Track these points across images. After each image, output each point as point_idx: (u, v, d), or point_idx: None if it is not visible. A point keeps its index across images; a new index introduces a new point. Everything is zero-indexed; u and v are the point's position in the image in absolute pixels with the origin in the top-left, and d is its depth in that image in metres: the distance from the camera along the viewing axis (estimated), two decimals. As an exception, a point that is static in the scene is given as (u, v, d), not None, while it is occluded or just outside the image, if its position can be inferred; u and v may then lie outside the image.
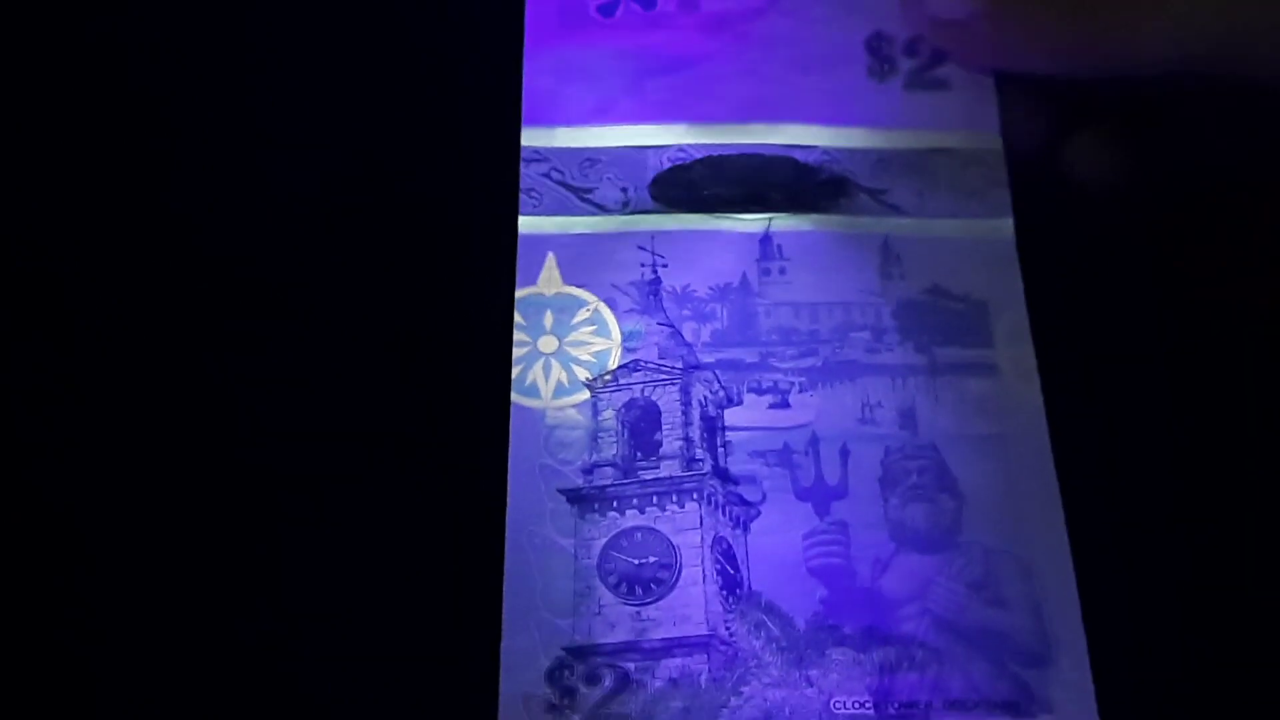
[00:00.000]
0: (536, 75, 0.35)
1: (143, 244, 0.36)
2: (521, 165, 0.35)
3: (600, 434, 0.32)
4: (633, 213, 0.34)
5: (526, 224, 0.34)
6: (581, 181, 0.34)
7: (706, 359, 0.33)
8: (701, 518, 0.31)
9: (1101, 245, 0.35)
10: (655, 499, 0.31)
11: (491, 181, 0.34)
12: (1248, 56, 0.31)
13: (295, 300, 0.35)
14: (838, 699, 0.29)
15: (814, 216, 0.34)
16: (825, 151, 0.35)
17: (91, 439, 0.34)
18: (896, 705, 0.29)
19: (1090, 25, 0.32)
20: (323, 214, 0.36)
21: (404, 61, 0.38)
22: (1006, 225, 0.34)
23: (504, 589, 0.30)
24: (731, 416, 0.32)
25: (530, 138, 0.35)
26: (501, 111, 0.35)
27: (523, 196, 0.34)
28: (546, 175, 0.34)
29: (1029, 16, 0.33)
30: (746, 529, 0.31)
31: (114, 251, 0.36)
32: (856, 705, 0.29)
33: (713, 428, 0.32)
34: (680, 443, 0.32)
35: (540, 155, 0.35)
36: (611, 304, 0.33)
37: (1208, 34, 0.31)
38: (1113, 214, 0.35)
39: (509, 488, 0.31)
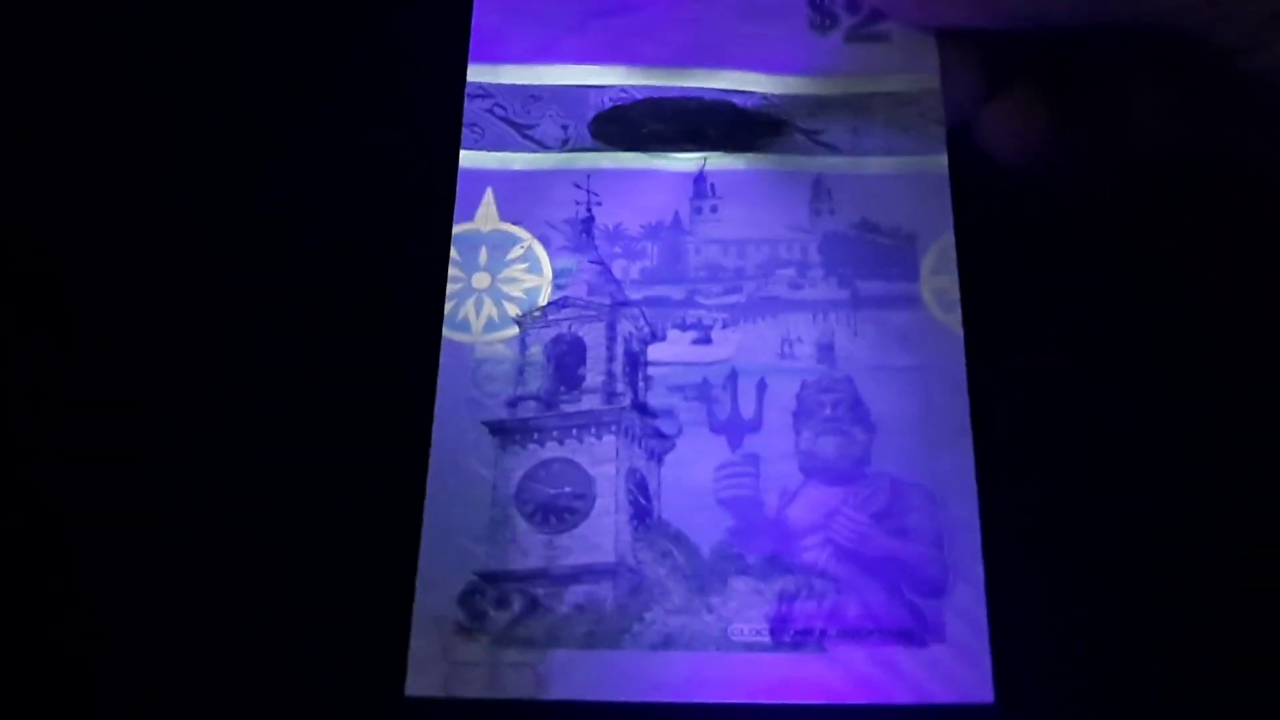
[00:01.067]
0: (484, 13, 0.36)
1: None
2: (465, 100, 0.36)
3: (526, 368, 0.33)
4: (571, 150, 0.35)
5: (467, 158, 0.35)
6: (523, 118, 0.35)
7: (634, 296, 0.34)
8: (618, 450, 0.32)
9: (1031, 187, 0.35)
10: (575, 431, 0.33)
11: (436, 115, 0.35)
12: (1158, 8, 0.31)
13: (238, 225, 0.36)
14: (735, 625, 0.31)
15: (748, 155, 0.35)
16: (764, 97, 0.36)
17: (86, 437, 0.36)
18: (792, 633, 0.30)
19: None
20: (264, 140, 0.37)
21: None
22: (940, 161, 0.35)
23: (423, 516, 0.31)
24: (654, 352, 0.34)
25: (475, 73, 0.36)
26: (449, 47, 0.36)
27: (465, 130, 0.35)
28: (490, 111, 0.36)
29: None
30: (661, 461, 0.32)
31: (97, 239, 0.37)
32: (753, 632, 0.31)
33: (635, 363, 0.33)
34: (603, 377, 0.33)
35: (484, 91, 0.36)
36: (545, 241, 0.34)
37: None
38: (1043, 160, 0.35)
39: (435, 418, 0.32)
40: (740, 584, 0.31)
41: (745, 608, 0.31)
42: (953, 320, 0.33)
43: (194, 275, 0.37)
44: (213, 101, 0.39)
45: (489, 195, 0.35)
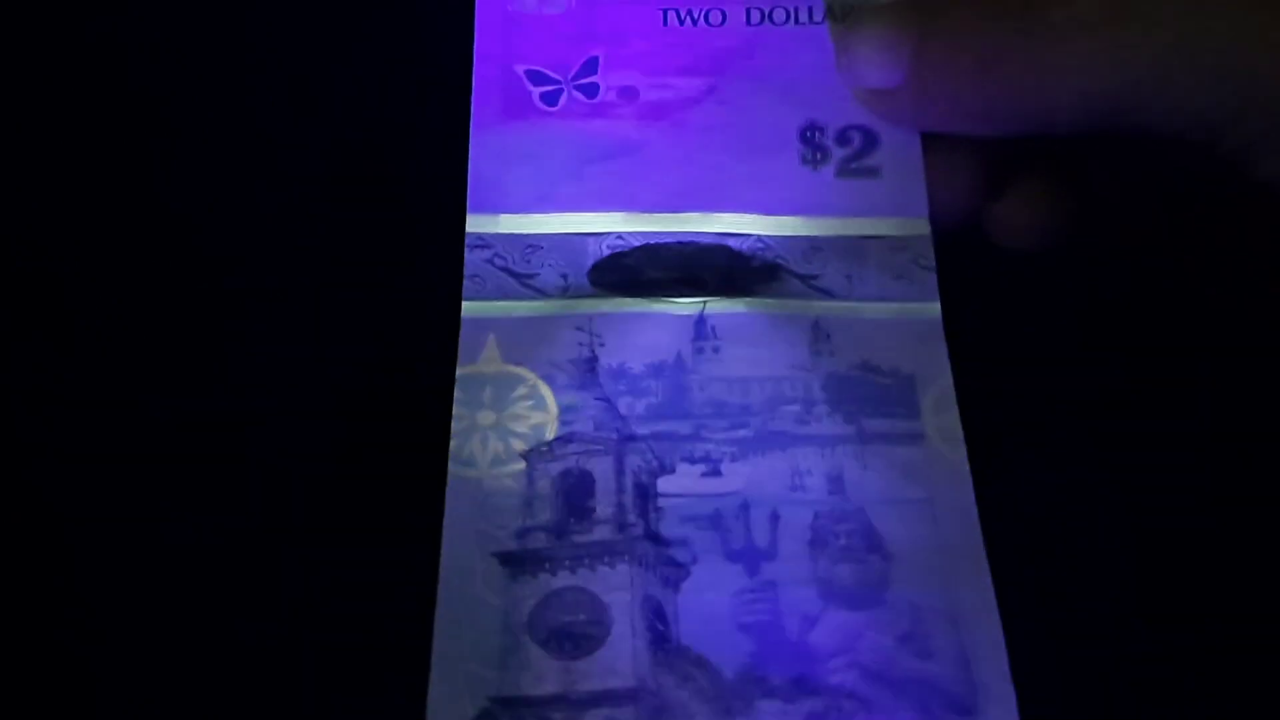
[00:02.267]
0: (481, 162, 0.37)
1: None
2: (466, 252, 0.36)
3: (535, 500, 0.33)
4: (572, 297, 0.35)
5: (469, 308, 0.35)
6: (523, 268, 0.36)
7: (641, 431, 0.34)
8: (632, 578, 0.32)
9: (1024, 317, 0.36)
10: (587, 560, 0.32)
11: (437, 268, 0.35)
12: (1150, 108, 0.32)
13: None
14: (765, 748, 0.29)
15: (747, 300, 0.36)
16: (759, 239, 0.36)
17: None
18: (824, 753, 0.29)
19: (1003, 89, 0.34)
20: (278, 289, 0.37)
21: (359, 150, 0.40)
22: (933, 308, 0.35)
23: (434, 641, 0.30)
24: (664, 484, 0.33)
25: (475, 224, 0.36)
26: (448, 200, 0.36)
27: (466, 282, 0.35)
28: (489, 261, 0.36)
29: (950, 84, 0.35)
30: (677, 588, 0.32)
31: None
32: (784, 754, 0.29)
33: (645, 495, 0.33)
34: (613, 509, 0.33)
35: (484, 242, 0.36)
36: (549, 380, 0.34)
37: (1108, 88, 0.32)
38: (1035, 286, 0.36)
39: (443, 551, 0.31)
40: (767, 706, 0.30)
41: (774, 730, 0.30)
42: (958, 456, 0.33)
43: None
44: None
45: (491, 340, 0.35)
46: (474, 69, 0.38)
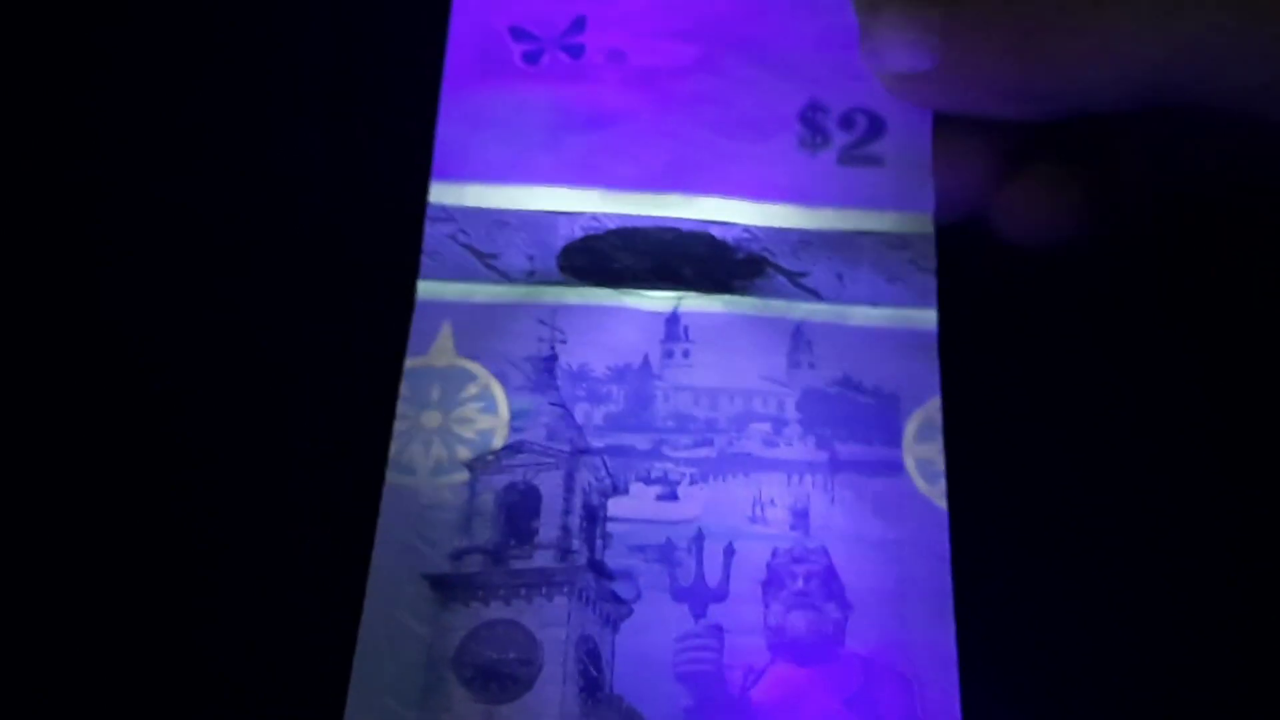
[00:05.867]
0: (451, 124, 0.34)
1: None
2: (426, 224, 0.33)
3: (475, 518, 0.31)
4: (537, 283, 0.33)
5: (425, 289, 0.33)
6: (487, 246, 0.33)
7: (596, 443, 0.32)
8: (569, 613, 0.30)
9: (1030, 333, 0.33)
10: (524, 591, 0.30)
11: (392, 242, 0.33)
12: (1199, 81, 0.29)
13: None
14: (689, 816, 0.28)
15: (725, 298, 0.33)
16: (745, 229, 0.33)
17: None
18: (752, 827, 0.28)
19: (1041, 67, 0.31)
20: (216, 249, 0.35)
21: (317, 96, 0.37)
22: (929, 316, 0.33)
23: (351, 673, 0.28)
24: (615, 506, 0.31)
25: (439, 193, 0.33)
26: (410, 167, 0.33)
27: (424, 259, 0.33)
28: (452, 237, 0.33)
29: (983, 64, 0.32)
30: (616, 628, 0.30)
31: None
32: (708, 824, 0.28)
33: (594, 517, 0.31)
34: (557, 532, 0.31)
35: (447, 214, 0.33)
36: (503, 379, 0.32)
37: (1154, 61, 0.30)
38: (1045, 296, 0.33)
39: (372, 566, 0.30)
40: (697, 769, 0.28)
41: (701, 797, 0.28)
42: (936, 493, 0.31)
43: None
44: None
45: (446, 328, 0.32)
46: (451, 20, 0.34)
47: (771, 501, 0.31)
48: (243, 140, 0.37)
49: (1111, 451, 0.34)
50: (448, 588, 0.30)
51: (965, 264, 0.33)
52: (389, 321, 0.32)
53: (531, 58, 0.35)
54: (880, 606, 0.30)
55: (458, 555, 0.30)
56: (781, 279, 0.33)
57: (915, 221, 0.33)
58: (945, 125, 0.34)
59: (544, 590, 0.30)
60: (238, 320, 0.35)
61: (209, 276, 0.36)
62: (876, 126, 0.34)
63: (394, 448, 0.31)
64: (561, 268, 0.33)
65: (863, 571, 0.30)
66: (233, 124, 0.38)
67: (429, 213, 0.33)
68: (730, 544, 0.30)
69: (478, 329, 0.32)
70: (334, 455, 0.33)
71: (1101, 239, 0.34)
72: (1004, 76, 0.32)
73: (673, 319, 0.33)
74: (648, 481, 0.31)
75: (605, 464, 0.31)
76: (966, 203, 0.34)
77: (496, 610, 0.30)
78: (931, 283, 0.33)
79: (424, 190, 0.33)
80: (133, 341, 0.35)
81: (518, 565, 0.30)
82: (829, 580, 0.30)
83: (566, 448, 0.31)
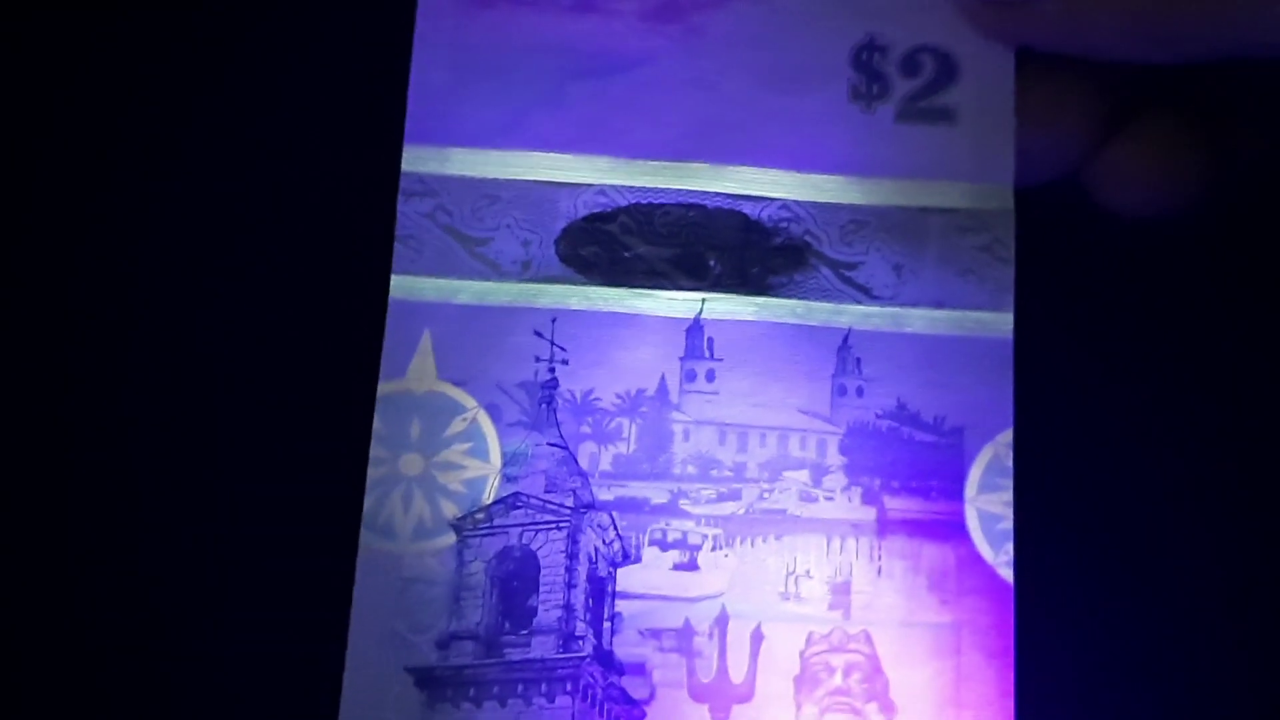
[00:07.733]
0: (429, 71, 0.27)
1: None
2: (399, 200, 0.27)
3: (464, 594, 0.27)
4: (533, 279, 0.27)
5: (400, 286, 0.27)
6: (474, 228, 0.27)
7: (604, 495, 0.27)
8: (573, 716, 0.26)
9: (1119, 352, 0.28)
10: (521, 688, 0.26)
11: (359, 229, 0.27)
12: None
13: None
14: None
15: (759, 300, 0.27)
16: (785, 205, 0.27)
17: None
18: None
19: None
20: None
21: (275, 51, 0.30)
22: (1005, 322, 0.27)
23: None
24: (625, 578, 0.27)
25: (414, 160, 0.27)
26: (379, 130, 0.27)
27: (397, 246, 0.27)
28: (430, 216, 0.27)
29: None
30: (625, 737, 0.26)
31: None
32: None
33: (601, 592, 0.27)
34: (559, 611, 0.27)
35: (425, 186, 0.27)
36: (494, 412, 0.27)
37: None
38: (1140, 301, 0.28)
39: (349, 656, 0.26)
40: None
41: None
42: (1002, 561, 0.26)
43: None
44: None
45: (426, 341, 0.27)
46: None
47: (807, 573, 0.27)
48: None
49: (1231, 509, 0.28)
50: (435, 685, 0.26)
51: (1040, 252, 0.27)
52: (357, 331, 0.26)
53: None
54: (930, 709, 0.26)
55: (445, 643, 0.26)
56: (826, 272, 0.28)
57: (993, 194, 0.28)
58: (1031, 69, 0.27)
59: (544, 688, 0.26)
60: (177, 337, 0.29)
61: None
62: (947, 70, 0.28)
63: (369, 501, 0.26)
64: (562, 258, 0.27)
65: (913, 665, 0.26)
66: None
67: (402, 185, 0.28)
68: (758, 627, 0.27)
69: (463, 342, 0.27)
70: (299, 514, 0.28)
71: (1219, 226, 0.27)
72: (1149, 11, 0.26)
73: (695, 329, 0.27)
74: (664, 546, 0.27)
75: (614, 521, 0.27)
76: (1047, 172, 0.27)
77: (490, 713, 0.26)
78: (1009, 277, 0.28)
79: (396, 158, 0.27)
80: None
81: (514, 656, 0.27)
82: (873, 675, 0.26)
83: (569, 502, 0.27)
